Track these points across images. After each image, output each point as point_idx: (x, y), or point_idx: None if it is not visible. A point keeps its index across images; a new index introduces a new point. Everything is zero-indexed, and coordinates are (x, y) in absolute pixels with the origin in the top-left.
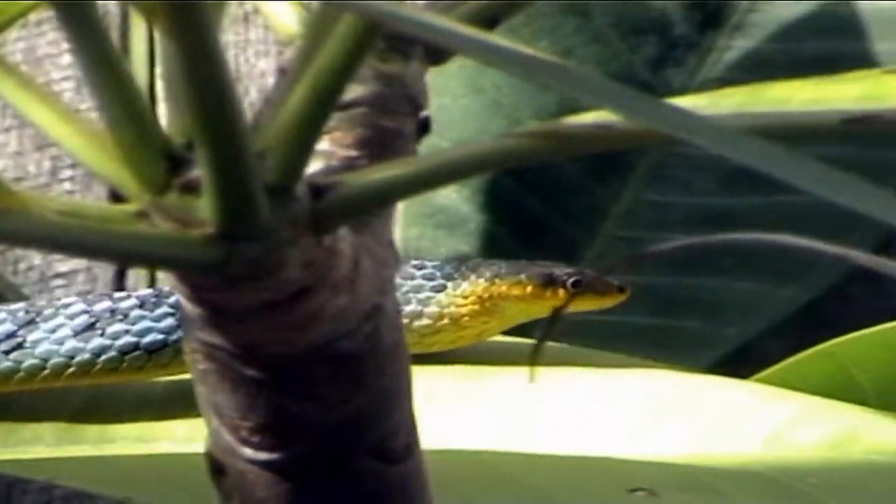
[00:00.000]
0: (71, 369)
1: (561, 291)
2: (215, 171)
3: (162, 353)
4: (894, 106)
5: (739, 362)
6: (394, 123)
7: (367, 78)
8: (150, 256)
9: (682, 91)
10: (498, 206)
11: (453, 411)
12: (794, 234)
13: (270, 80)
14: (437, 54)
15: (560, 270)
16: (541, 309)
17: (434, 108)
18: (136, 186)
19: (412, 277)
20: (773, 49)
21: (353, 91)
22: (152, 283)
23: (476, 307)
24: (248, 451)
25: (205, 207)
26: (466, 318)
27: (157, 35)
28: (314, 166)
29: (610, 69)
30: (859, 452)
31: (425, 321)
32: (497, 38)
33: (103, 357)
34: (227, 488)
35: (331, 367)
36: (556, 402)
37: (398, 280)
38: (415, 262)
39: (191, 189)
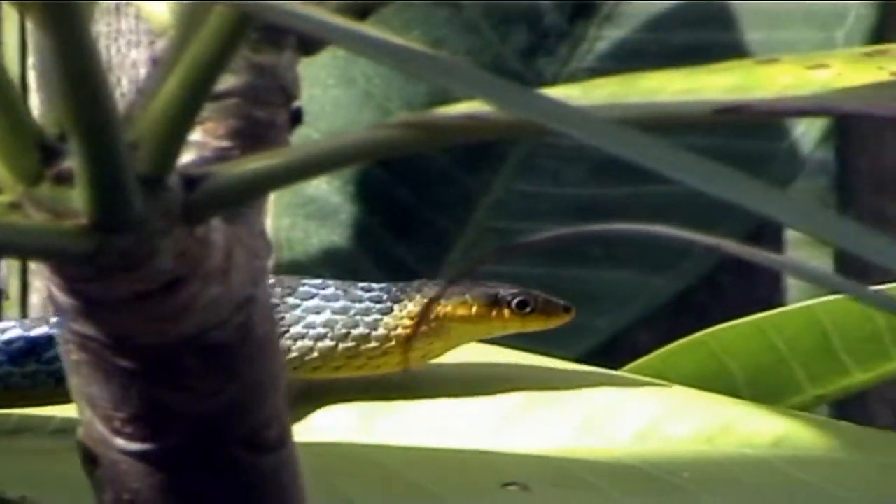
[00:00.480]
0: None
1: (506, 312)
2: (88, 162)
3: None
4: (765, 96)
5: (611, 353)
6: (266, 114)
7: (240, 68)
8: (23, 247)
9: (554, 81)
10: (369, 197)
11: (324, 403)
12: (665, 224)
13: (143, 71)
14: (309, 45)
15: (505, 291)
16: (487, 330)
17: (305, 98)
18: (8, 177)
19: (360, 300)
20: (643, 39)
21: (226, 81)
22: (24, 273)
23: (422, 328)
24: (121, 442)
25: (77, 198)
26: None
27: (29, 25)
28: (187, 157)
29: (481, 59)
30: (732, 445)
31: (373, 344)
32: (369, 28)
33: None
34: (100, 479)
35: (203, 358)
36: (427, 394)
37: (346, 303)
38: (362, 285)
39: (63, 180)
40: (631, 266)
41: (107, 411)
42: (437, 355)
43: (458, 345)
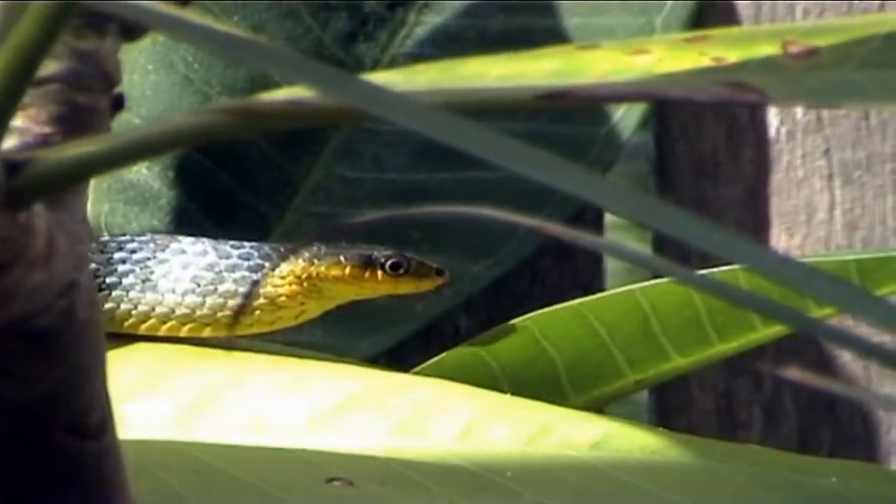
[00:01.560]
0: None
1: (379, 273)
2: None
3: None
4: (586, 81)
5: (431, 338)
6: (88, 100)
7: (62, 54)
8: None
9: (374, 67)
10: (189, 182)
11: (139, 399)
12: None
13: None
14: (131, 30)
15: (379, 253)
16: (359, 290)
17: (125, 84)
18: None
19: (228, 256)
20: (462, 25)
21: (48, 67)
22: None
23: (294, 287)
24: None
25: None
26: (283, 297)
27: None
28: (8, 143)
29: (301, 45)
30: (552, 447)
31: (240, 300)
32: (190, 14)
33: None
34: None
35: (25, 344)
36: (245, 392)
37: (214, 259)
38: (232, 243)
39: None
40: (450, 251)
41: None
42: (312, 314)
43: (331, 304)
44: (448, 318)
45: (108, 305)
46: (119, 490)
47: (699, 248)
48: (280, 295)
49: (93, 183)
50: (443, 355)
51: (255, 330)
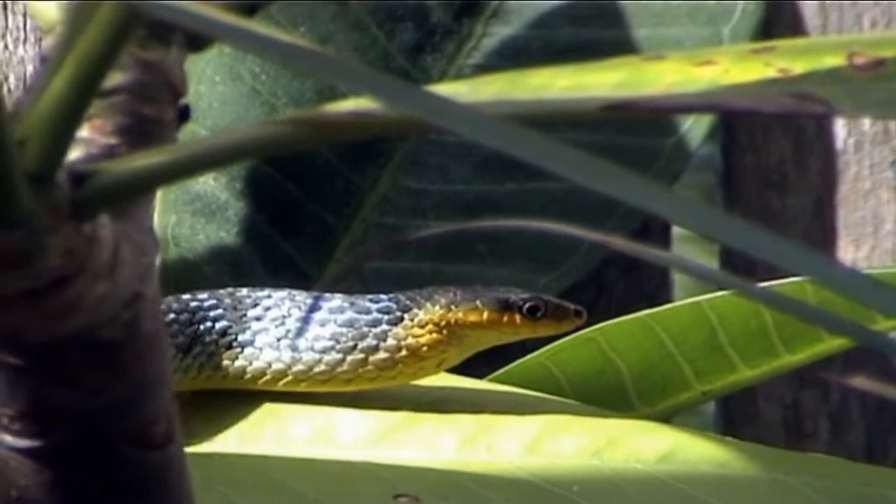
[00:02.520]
0: None
1: (518, 317)
2: None
3: None
4: (651, 93)
5: (499, 349)
6: (154, 111)
7: (128, 65)
8: None
9: (440, 78)
10: (256, 193)
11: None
12: (552, 220)
13: (30, 68)
14: (196, 41)
15: (516, 296)
16: (499, 336)
17: (191, 95)
18: None
19: (368, 312)
20: (529, 36)
21: (114, 78)
22: None
23: (434, 336)
24: (9, 439)
25: None
26: (425, 348)
27: None
28: (74, 154)
29: (368, 56)
30: (619, 460)
31: (382, 355)
32: (256, 25)
33: None
34: None
35: (90, 355)
36: (310, 404)
37: (353, 315)
38: (370, 297)
39: None
40: (517, 263)
41: None
42: (452, 363)
43: (471, 351)
44: None
45: (239, 363)
46: (184, 501)
47: (765, 260)
48: (422, 345)
49: (159, 194)
50: (510, 366)
51: (397, 381)
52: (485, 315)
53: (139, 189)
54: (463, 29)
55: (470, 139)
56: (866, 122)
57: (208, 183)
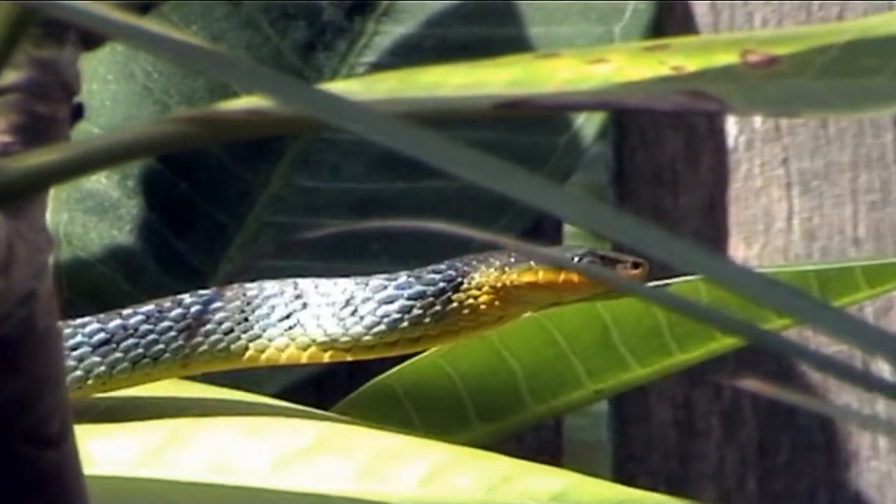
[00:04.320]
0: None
1: (574, 275)
2: None
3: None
4: (545, 91)
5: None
6: (48, 109)
7: (22, 63)
8: None
9: (333, 76)
10: (148, 192)
11: (105, 437)
12: (445, 219)
13: None
14: (90, 40)
15: (572, 253)
16: (558, 295)
17: (84, 93)
18: None
19: (433, 283)
20: (422, 34)
21: (7, 77)
22: None
23: (490, 297)
24: None
25: None
26: (484, 307)
27: None
28: None
29: (260, 55)
30: (514, 497)
31: (446, 318)
32: (149, 23)
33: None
34: None
35: None
36: (210, 434)
37: (421, 287)
38: (431, 268)
39: None
40: (409, 262)
41: None
42: (516, 317)
43: (534, 308)
44: None
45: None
46: (79, 500)
47: (658, 258)
48: (480, 304)
49: (52, 192)
50: (403, 365)
51: (461, 336)
52: (540, 275)
53: (33, 187)
54: (355, 27)
55: (363, 137)
56: (757, 121)
57: (100, 181)
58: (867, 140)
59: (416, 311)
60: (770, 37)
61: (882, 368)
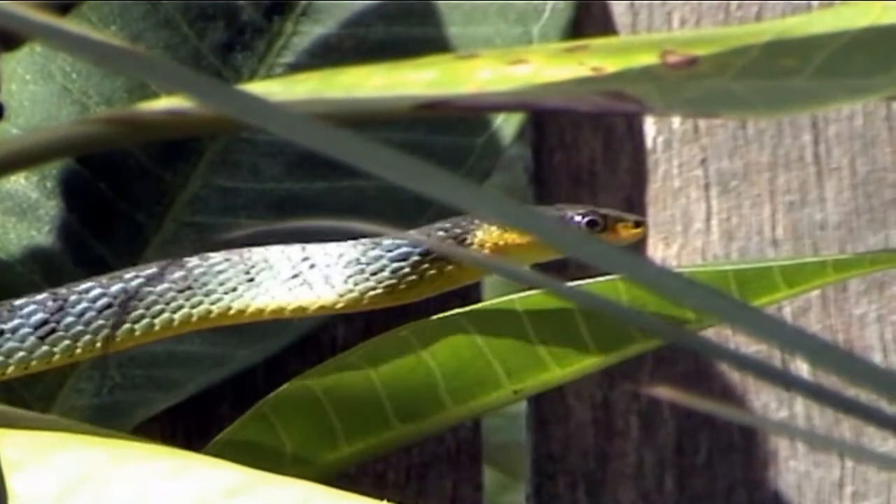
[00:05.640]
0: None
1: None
2: None
3: None
4: (464, 91)
5: (308, 348)
6: None
7: None
8: None
9: (252, 77)
10: (67, 193)
11: (26, 471)
12: (363, 218)
13: None
14: (9, 40)
15: (573, 211)
16: (558, 252)
17: (3, 94)
18: None
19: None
20: (341, 35)
21: None
22: None
23: (493, 253)
24: None
25: None
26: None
27: None
28: None
29: (179, 55)
30: None
31: (451, 267)
32: (68, 23)
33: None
34: None
35: None
36: (127, 474)
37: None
38: (437, 225)
39: None
40: None
41: None
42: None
43: (536, 261)
44: (325, 328)
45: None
46: None
47: (576, 258)
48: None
49: None
50: (324, 364)
51: (461, 283)
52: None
53: None
54: (273, 27)
55: (282, 138)
56: (676, 121)
57: (19, 182)
58: (786, 141)
59: (424, 265)
60: (689, 38)
61: (800, 368)
